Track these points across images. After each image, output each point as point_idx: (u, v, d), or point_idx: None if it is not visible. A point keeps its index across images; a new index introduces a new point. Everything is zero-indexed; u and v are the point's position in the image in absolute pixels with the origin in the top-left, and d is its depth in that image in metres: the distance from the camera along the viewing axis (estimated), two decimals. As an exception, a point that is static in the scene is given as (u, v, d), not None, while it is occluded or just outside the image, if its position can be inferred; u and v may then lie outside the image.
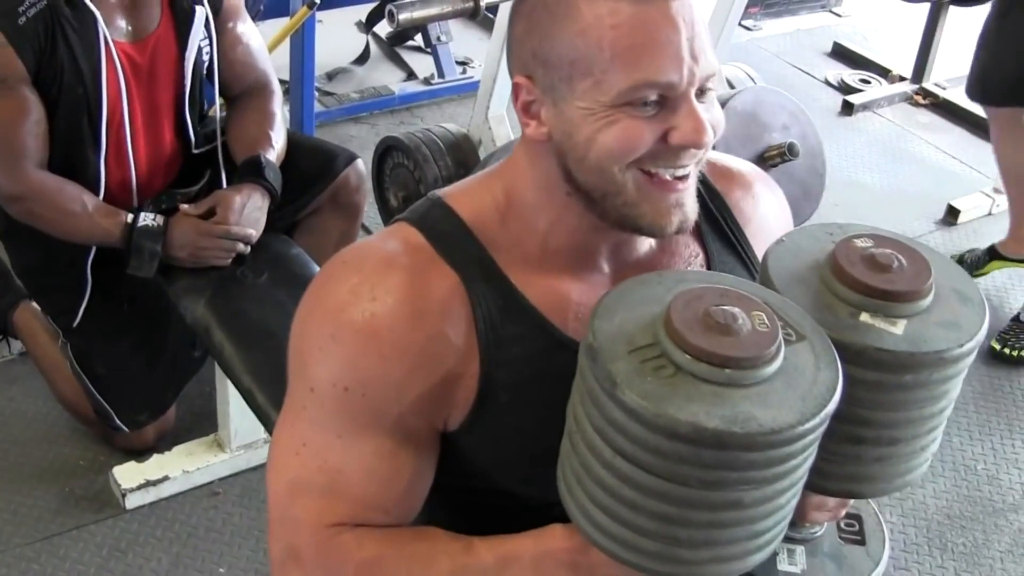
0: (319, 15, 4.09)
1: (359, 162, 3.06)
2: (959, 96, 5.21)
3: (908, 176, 4.73)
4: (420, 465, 1.37)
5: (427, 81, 4.87)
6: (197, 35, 2.73)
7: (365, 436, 1.32)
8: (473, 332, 1.31)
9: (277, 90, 2.98)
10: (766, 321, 1.17)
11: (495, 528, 1.35)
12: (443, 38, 4.86)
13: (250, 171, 2.75)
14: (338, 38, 5.02)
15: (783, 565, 1.51)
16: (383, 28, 5.09)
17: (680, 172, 1.26)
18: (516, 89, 1.29)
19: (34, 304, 3.15)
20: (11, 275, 3.20)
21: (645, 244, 1.40)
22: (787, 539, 1.42)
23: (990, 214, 4.47)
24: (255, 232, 2.70)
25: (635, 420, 1.11)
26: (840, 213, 4.27)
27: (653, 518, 1.16)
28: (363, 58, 5.08)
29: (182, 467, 2.91)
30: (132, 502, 2.86)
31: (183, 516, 2.86)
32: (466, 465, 1.39)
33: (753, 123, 3.67)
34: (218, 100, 2.91)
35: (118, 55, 2.59)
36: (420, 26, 4.82)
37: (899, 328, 1.25)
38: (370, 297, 1.29)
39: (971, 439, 3.34)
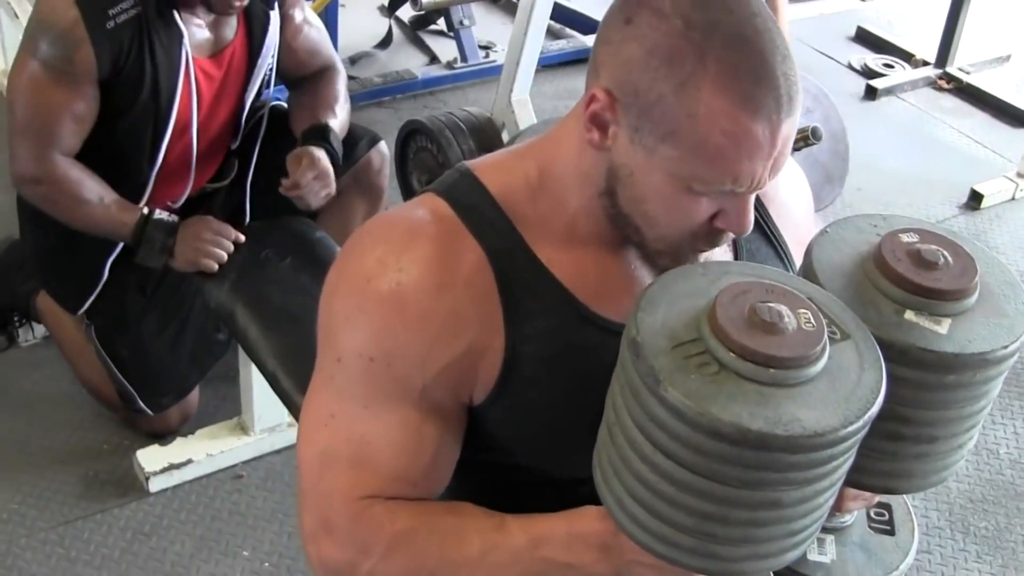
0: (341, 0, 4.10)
1: (382, 144, 3.06)
2: (983, 81, 5.21)
3: (931, 161, 4.72)
4: (446, 438, 1.37)
5: (450, 65, 4.86)
6: (271, 45, 2.75)
7: (391, 407, 1.33)
8: (498, 305, 1.31)
9: (342, 72, 3.00)
10: (812, 320, 1.15)
11: (521, 503, 1.35)
12: (466, 22, 4.85)
13: (314, 136, 2.76)
14: (361, 22, 5.03)
15: (813, 555, 1.50)
16: (406, 12, 5.08)
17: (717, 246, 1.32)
18: (595, 98, 1.25)
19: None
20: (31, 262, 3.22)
21: None
22: None
23: (1013, 199, 4.45)
24: (331, 190, 2.73)
25: (677, 418, 1.10)
26: (863, 198, 4.26)
27: (690, 515, 1.16)
28: (386, 42, 5.08)
29: (206, 450, 2.92)
30: (156, 485, 2.87)
31: (206, 499, 2.87)
32: (491, 440, 1.39)
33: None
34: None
35: (196, 74, 2.62)
36: (443, 10, 4.82)
37: (944, 327, 1.24)
38: (396, 267, 1.29)
39: (993, 423, 3.33)
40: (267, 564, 2.72)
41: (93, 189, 2.62)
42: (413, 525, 1.34)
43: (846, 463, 1.18)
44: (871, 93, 5.18)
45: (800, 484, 1.14)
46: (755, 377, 1.12)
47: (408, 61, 4.95)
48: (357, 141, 2.99)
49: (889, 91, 5.21)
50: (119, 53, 2.49)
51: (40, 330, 3.28)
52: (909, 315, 1.25)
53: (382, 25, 5.11)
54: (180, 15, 2.54)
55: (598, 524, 1.28)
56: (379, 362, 1.31)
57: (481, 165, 1.40)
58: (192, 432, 2.98)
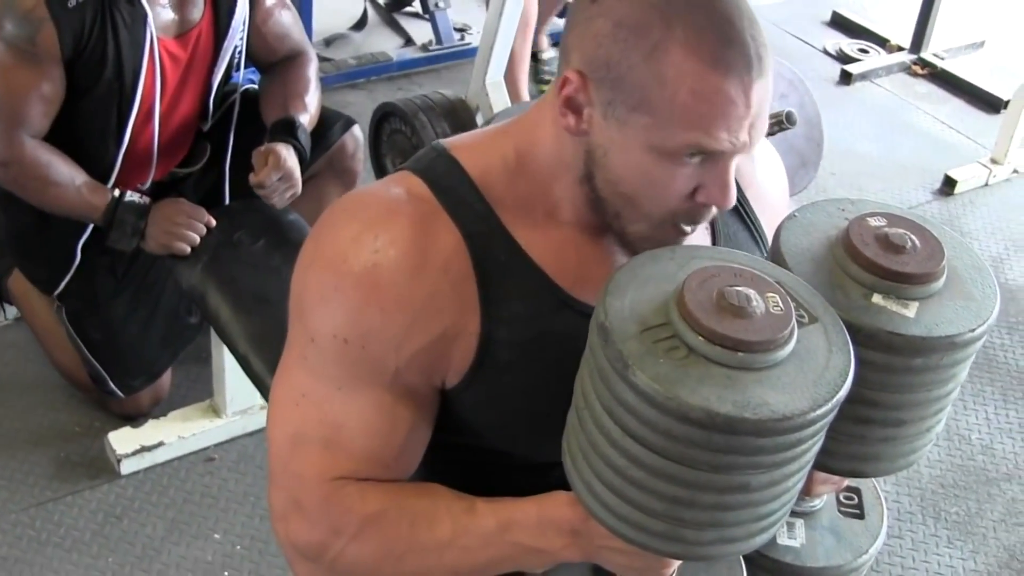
0: (318, -20, 4.09)
1: (356, 128, 3.05)
2: (957, 66, 5.22)
3: (905, 146, 4.73)
4: (419, 420, 1.36)
5: (425, 48, 4.84)
6: (237, 27, 2.72)
7: (364, 389, 1.32)
8: (474, 288, 1.30)
9: (313, 58, 2.98)
10: (780, 304, 1.16)
11: (492, 486, 1.35)
12: (441, 4, 4.84)
13: (281, 130, 2.74)
14: (336, 4, 5.00)
15: (782, 539, 1.50)
16: (381, -6, 5.08)
17: (699, 223, 1.30)
18: (567, 81, 1.24)
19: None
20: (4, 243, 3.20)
21: None
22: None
23: (987, 185, 4.46)
24: (296, 191, 2.72)
25: (646, 402, 1.10)
26: (837, 182, 4.27)
27: (659, 499, 1.16)
28: (361, 24, 5.06)
29: (177, 433, 2.91)
30: (127, 468, 2.86)
31: (178, 482, 2.86)
32: (464, 424, 1.39)
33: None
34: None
35: (160, 54, 2.60)
36: (418, -8, 4.81)
37: (911, 311, 1.24)
38: (372, 247, 1.27)
39: (965, 409, 3.35)
40: (239, 547, 2.72)
41: (63, 171, 2.60)
42: (384, 507, 1.33)
43: (815, 447, 1.18)
44: (846, 78, 5.18)
45: (769, 468, 1.14)
46: (724, 361, 1.12)
47: (383, 43, 4.93)
48: (331, 125, 2.98)
49: (864, 76, 5.21)
50: (81, 32, 2.47)
51: (12, 311, 3.26)
52: (877, 299, 1.25)
53: (357, 7, 5.08)
54: None
55: (568, 509, 1.28)
56: (353, 344, 1.29)
57: (458, 145, 1.39)
58: (164, 414, 2.96)
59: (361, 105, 4.37)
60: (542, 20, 4.55)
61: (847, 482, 1.54)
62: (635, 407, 1.12)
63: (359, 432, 1.33)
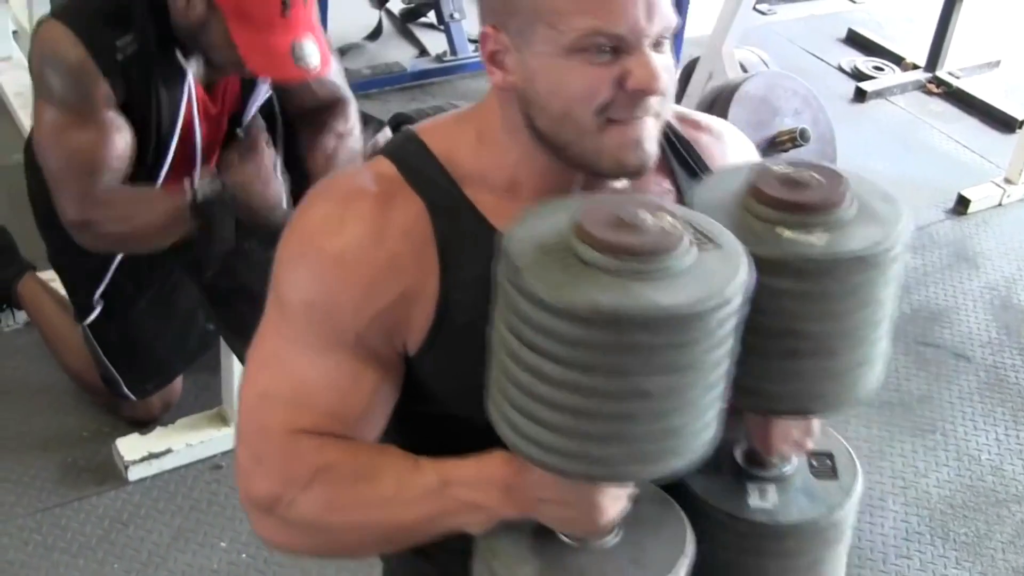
0: (332, -10, 4.09)
1: (387, 130, 3.03)
2: (973, 85, 5.21)
3: (919, 164, 4.72)
4: (382, 384, 1.40)
5: (439, 58, 4.85)
6: (266, 82, 2.70)
7: (329, 351, 1.37)
8: (435, 252, 1.35)
9: (353, 103, 2.90)
10: (676, 224, 1.18)
11: (456, 454, 1.37)
12: (456, 15, 4.84)
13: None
14: (351, 13, 5.00)
15: (754, 501, 1.49)
16: (396, 4, 5.08)
17: (638, 116, 1.31)
18: (484, 39, 1.31)
19: (40, 275, 3.17)
20: (17, 248, 3.23)
21: (617, 183, 1.41)
22: (758, 478, 1.47)
23: (1000, 204, 4.46)
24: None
25: (538, 306, 1.13)
26: (850, 200, 4.25)
27: (562, 412, 1.17)
28: (375, 34, 5.06)
29: (185, 440, 2.92)
30: (135, 474, 2.87)
31: (185, 489, 2.86)
32: (428, 391, 1.43)
33: (765, 107, 3.66)
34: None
35: (197, 105, 2.58)
36: (433, 3, 4.81)
37: (819, 238, 1.26)
38: (339, 222, 1.36)
39: (975, 429, 3.34)
40: (244, 555, 2.71)
41: (132, 198, 2.56)
42: (336, 460, 1.37)
43: (713, 353, 1.18)
44: (860, 96, 5.18)
45: (664, 371, 1.15)
46: (613, 268, 1.15)
47: (397, 53, 4.94)
48: (363, 126, 2.96)
49: (879, 94, 5.21)
50: (128, 86, 2.45)
51: (22, 316, 3.27)
52: (785, 232, 1.27)
53: (372, 16, 5.09)
54: (181, 53, 2.51)
55: (504, 465, 1.31)
56: (318, 309, 1.36)
57: (426, 128, 1.45)
58: (172, 422, 2.97)
59: (374, 115, 4.36)
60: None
61: (812, 442, 1.52)
62: (528, 313, 1.15)
63: (323, 391, 1.38)
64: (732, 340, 1.20)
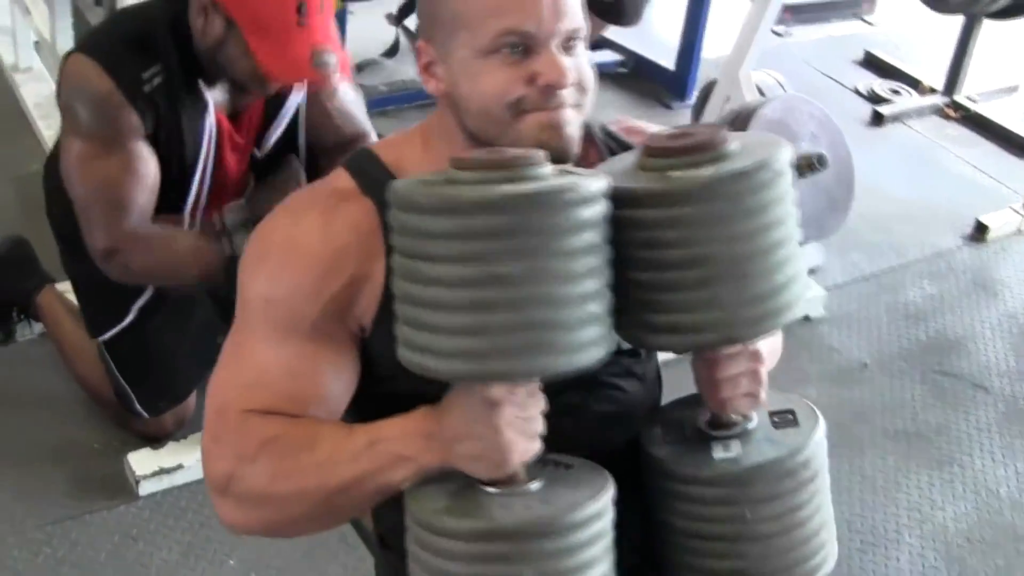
0: (350, 6, 4.09)
1: None
2: (990, 110, 5.20)
3: (937, 190, 4.71)
4: (340, 366, 1.53)
5: (456, 77, 4.82)
6: (291, 106, 2.70)
7: (287, 340, 1.49)
8: (380, 240, 1.47)
9: (374, 137, 2.89)
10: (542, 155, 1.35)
11: None
12: (474, 34, 4.84)
13: None
14: (368, 30, 5.00)
15: (719, 455, 1.55)
16: (413, 21, 5.07)
17: (553, 106, 1.45)
18: (419, 53, 1.51)
19: (58, 287, 3.16)
20: (37, 260, 3.23)
21: None
22: (722, 438, 1.56)
23: (1019, 231, 4.44)
24: None
25: (403, 208, 1.32)
26: (865, 224, 4.24)
27: (435, 309, 1.30)
28: (392, 51, 5.07)
29: (197, 456, 2.83)
30: (145, 489, 2.85)
31: (195, 505, 2.85)
32: (383, 370, 1.53)
33: (782, 131, 3.64)
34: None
35: (221, 137, 2.59)
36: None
37: (705, 170, 1.38)
38: (293, 224, 1.52)
39: (994, 461, 3.31)
40: (253, 573, 2.70)
41: (164, 234, 2.58)
42: (280, 432, 1.47)
43: (569, 244, 1.30)
44: (877, 119, 5.18)
45: (519, 256, 1.27)
46: (480, 178, 1.30)
47: (414, 70, 4.89)
48: None
49: (896, 117, 5.20)
50: (156, 117, 2.47)
51: (38, 327, 3.26)
52: (672, 173, 1.39)
53: (389, 33, 5.09)
54: (204, 83, 2.52)
55: (423, 418, 1.42)
56: (274, 302, 1.50)
57: (380, 143, 1.69)
58: (184, 437, 2.96)
59: (390, 132, 4.36)
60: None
61: (764, 393, 1.58)
62: (405, 222, 1.32)
63: (280, 374, 1.50)
64: (597, 243, 1.33)
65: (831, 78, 5.53)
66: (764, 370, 1.57)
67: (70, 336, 3.06)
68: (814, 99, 3.91)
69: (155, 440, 2.94)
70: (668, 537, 1.58)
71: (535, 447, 1.40)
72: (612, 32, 4.86)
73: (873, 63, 5.69)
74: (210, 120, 2.54)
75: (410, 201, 1.31)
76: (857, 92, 5.42)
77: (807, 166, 3.58)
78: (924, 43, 5.87)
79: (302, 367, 1.49)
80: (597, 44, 5.14)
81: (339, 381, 1.53)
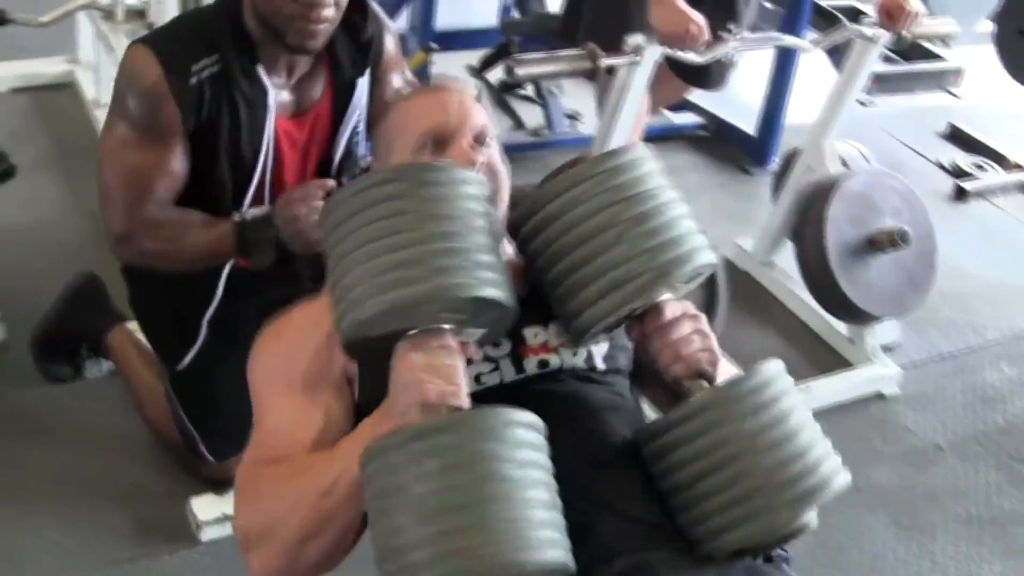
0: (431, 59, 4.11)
1: None
2: (1078, 190, 5.11)
3: (1019, 269, 4.63)
4: (332, 408, 1.80)
5: (535, 132, 4.84)
6: (355, 110, 2.71)
7: (286, 399, 1.81)
8: None
9: None
10: None
11: None
12: (554, 90, 4.84)
13: None
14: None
15: (692, 399, 1.74)
16: (494, 74, 5.07)
17: None
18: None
19: (129, 326, 3.16)
20: (109, 297, 3.24)
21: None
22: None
23: (1103, 317, 4.35)
24: None
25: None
26: (946, 303, 4.19)
27: (348, 271, 1.60)
28: (473, 103, 5.05)
29: (260, 504, 2.88)
30: (207, 535, 2.84)
31: (256, 554, 2.82)
32: (361, 412, 1.77)
33: (864, 205, 3.60)
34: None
35: (279, 133, 2.60)
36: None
37: None
38: (286, 320, 1.91)
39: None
40: (311, 627, 2.66)
41: (179, 220, 2.58)
42: (282, 468, 1.73)
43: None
44: (960, 194, 5.11)
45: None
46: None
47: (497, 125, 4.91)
48: None
49: (979, 193, 5.14)
50: (200, 108, 2.48)
51: (107, 365, 3.27)
52: None
53: (469, 85, 5.10)
54: (264, 73, 2.53)
55: (380, 405, 1.68)
56: (270, 369, 1.86)
57: None
58: (249, 484, 2.93)
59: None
60: (652, 113, 4.52)
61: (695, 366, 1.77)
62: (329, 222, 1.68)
63: (283, 426, 1.79)
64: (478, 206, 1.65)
65: (914, 150, 5.47)
66: (707, 327, 1.79)
67: (139, 376, 3.06)
68: (896, 171, 3.87)
69: (219, 485, 2.92)
70: (676, 498, 1.69)
71: (453, 390, 1.58)
72: (695, 94, 4.83)
73: (958, 137, 5.63)
74: (271, 108, 2.54)
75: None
76: (940, 166, 5.36)
77: (888, 242, 3.54)
78: (1011, 118, 5.81)
79: (298, 416, 1.78)
80: (678, 106, 5.12)
81: (333, 426, 1.78)
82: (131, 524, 2.87)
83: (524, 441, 1.55)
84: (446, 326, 1.63)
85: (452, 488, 1.49)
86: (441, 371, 1.58)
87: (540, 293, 1.79)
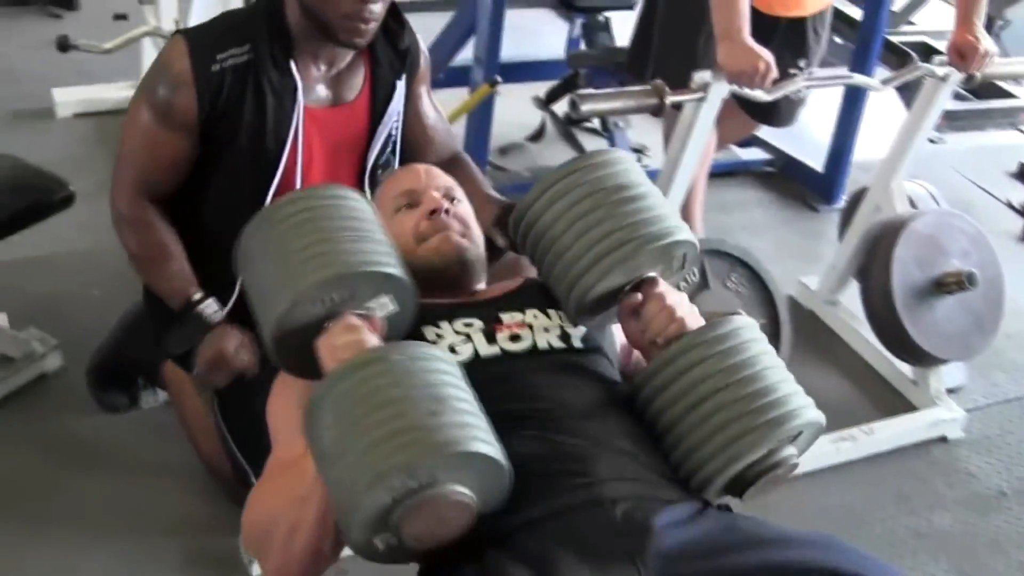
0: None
1: None
2: None
3: (1089, 314, 4.52)
4: None
5: (599, 165, 4.79)
6: (393, 114, 2.70)
7: (295, 437, 1.87)
8: None
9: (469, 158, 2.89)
10: None
11: None
12: (620, 123, 4.82)
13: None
14: (514, 112, 5.00)
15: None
16: (560, 106, 5.06)
17: (439, 228, 2.16)
18: None
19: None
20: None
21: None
22: None
23: None
24: None
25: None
26: (1012, 345, 4.11)
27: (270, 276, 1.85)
28: (538, 135, 5.06)
29: (311, 540, 2.86)
30: (258, 570, 2.80)
31: (306, 590, 2.79)
32: None
33: (932, 246, 3.55)
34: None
35: (307, 126, 2.58)
36: (598, 110, 4.78)
37: None
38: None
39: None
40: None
41: (163, 247, 2.62)
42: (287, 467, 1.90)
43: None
44: (1030, 235, 5.02)
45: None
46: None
47: (558, 156, 4.90)
48: None
49: (1049, 234, 5.04)
50: (217, 95, 2.49)
51: (163, 395, 3.27)
52: None
53: (534, 116, 5.09)
54: (297, 66, 2.53)
55: None
56: (277, 415, 2.07)
57: None
58: (299, 519, 2.91)
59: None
60: (719, 148, 4.48)
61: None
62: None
63: (290, 434, 1.98)
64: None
65: (984, 189, 5.39)
66: (675, 301, 1.92)
67: (193, 408, 3.05)
68: (965, 210, 3.81)
69: (271, 519, 2.90)
70: (667, 439, 1.82)
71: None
72: (763, 130, 4.78)
73: (1028, 176, 5.55)
74: (300, 104, 2.54)
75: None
76: (1010, 205, 5.28)
77: (956, 284, 3.48)
78: (1082, 158, 5.71)
79: (300, 441, 1.82)
80: (746, 142, 5.08)
81: None
82: (182, 556, 2.86)
83: (435, 367, 1.67)
84: (351, 311, 1.82)
85: (375, 408, 1.60)
86: (348, 346, 1.75)
87: (540, 284, 2.05)
